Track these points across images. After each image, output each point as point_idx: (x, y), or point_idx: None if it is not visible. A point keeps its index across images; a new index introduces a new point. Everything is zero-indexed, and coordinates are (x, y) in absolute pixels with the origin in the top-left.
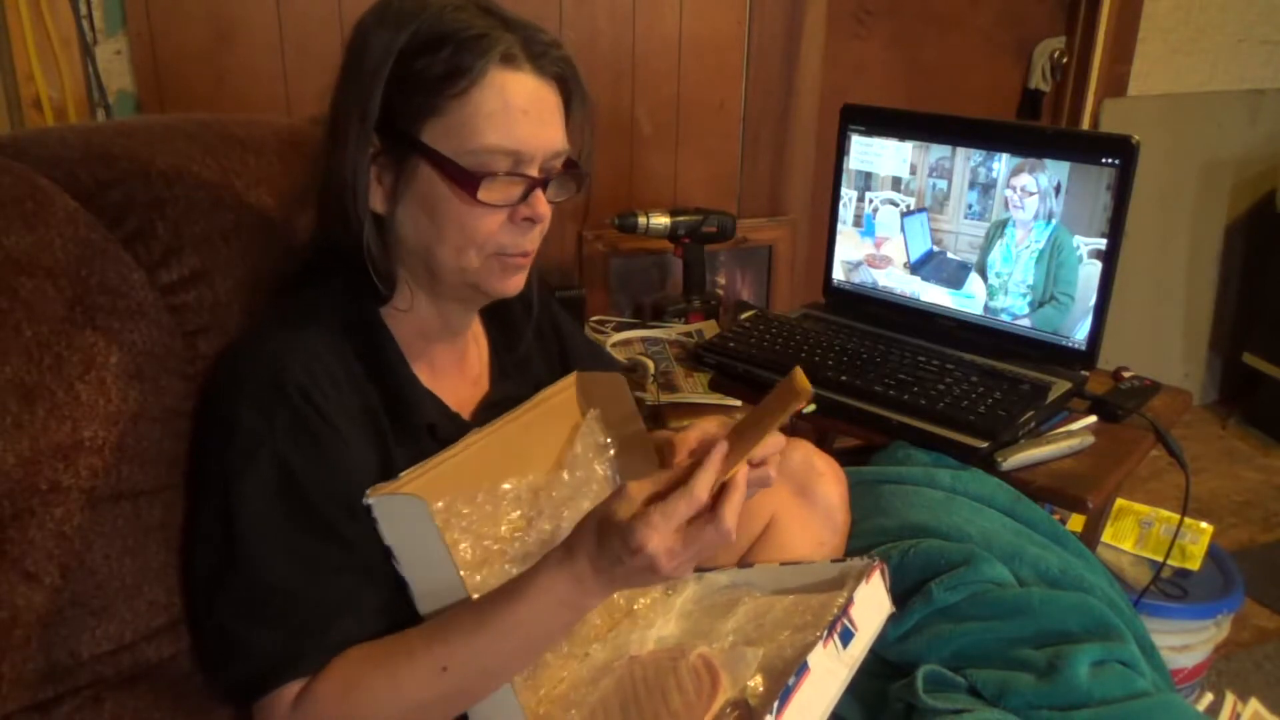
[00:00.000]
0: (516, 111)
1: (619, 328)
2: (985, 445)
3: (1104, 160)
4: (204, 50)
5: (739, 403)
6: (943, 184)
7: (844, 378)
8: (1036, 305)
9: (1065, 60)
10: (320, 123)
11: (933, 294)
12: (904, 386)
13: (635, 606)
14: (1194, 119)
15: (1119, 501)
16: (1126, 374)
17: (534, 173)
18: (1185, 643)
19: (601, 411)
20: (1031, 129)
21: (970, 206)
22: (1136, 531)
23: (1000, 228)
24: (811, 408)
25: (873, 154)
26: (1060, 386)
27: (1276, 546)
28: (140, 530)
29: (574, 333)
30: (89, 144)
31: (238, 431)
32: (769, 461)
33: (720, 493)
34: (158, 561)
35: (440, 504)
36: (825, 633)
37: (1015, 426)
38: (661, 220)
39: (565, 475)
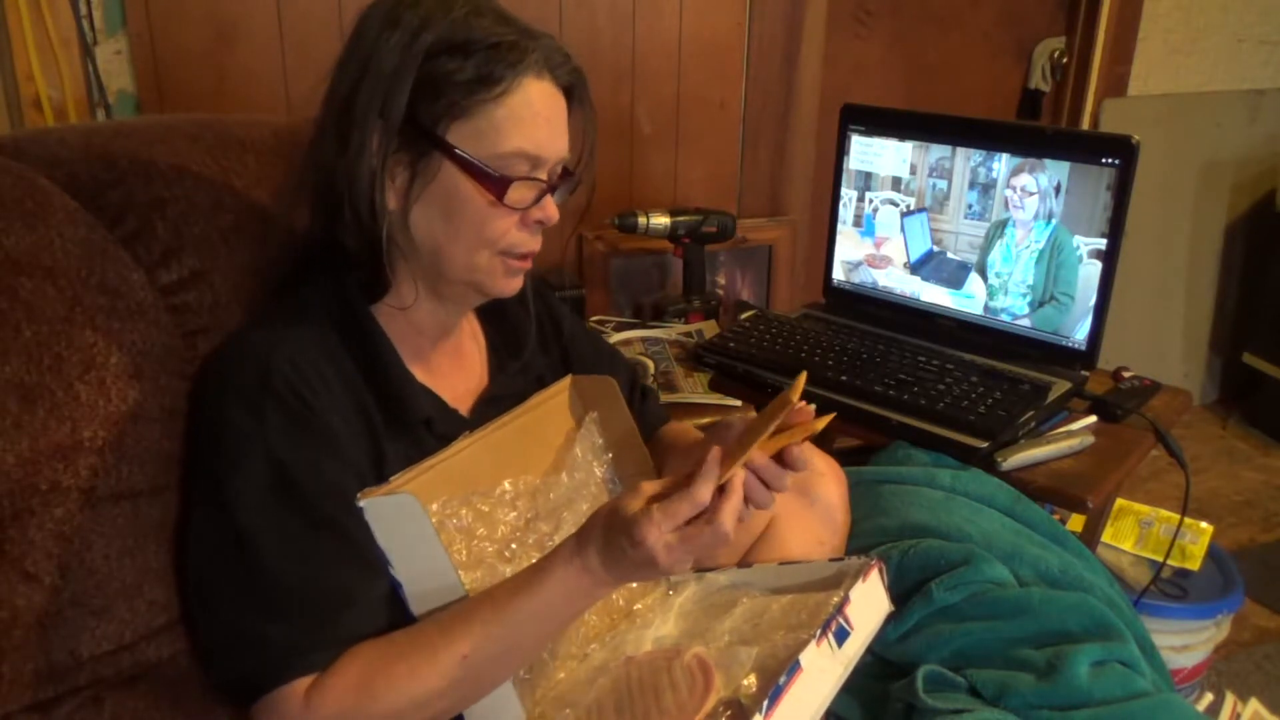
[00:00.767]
0: (540, 119)
1: (619, 328)
2: (985, 445)
3: (1104, 160)
4: (204, 50)
5: (739, 403)
6: (943, 184)
7: (844, 378)
8: (1036, 305)
9: (1065, 60)
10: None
11: (933, 294)
12: (904, 386)
13: (635, 607)
14: (1194, 119)
15: (1119, 501)
16: (1126, 374)
17: (545, 177)
18: (1185, 643)
19: (598, 414)
20: (1031, 129)
21: (970, 206)
22: (1136, 531)
23: (1000, 228)
24: (823, 422)
25: (873, 154)
26: (1060, 386)
27: (1276, 546)
28: (140, 530)
29: (575, 327)
30: (89, 144)
31: (228, 430)
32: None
33: (719, 495)
34: (158, 561)
35: (435, 505)
36: (819, 631)
37: (1015, 426)
38: (661, 220)
39: (564, 477)
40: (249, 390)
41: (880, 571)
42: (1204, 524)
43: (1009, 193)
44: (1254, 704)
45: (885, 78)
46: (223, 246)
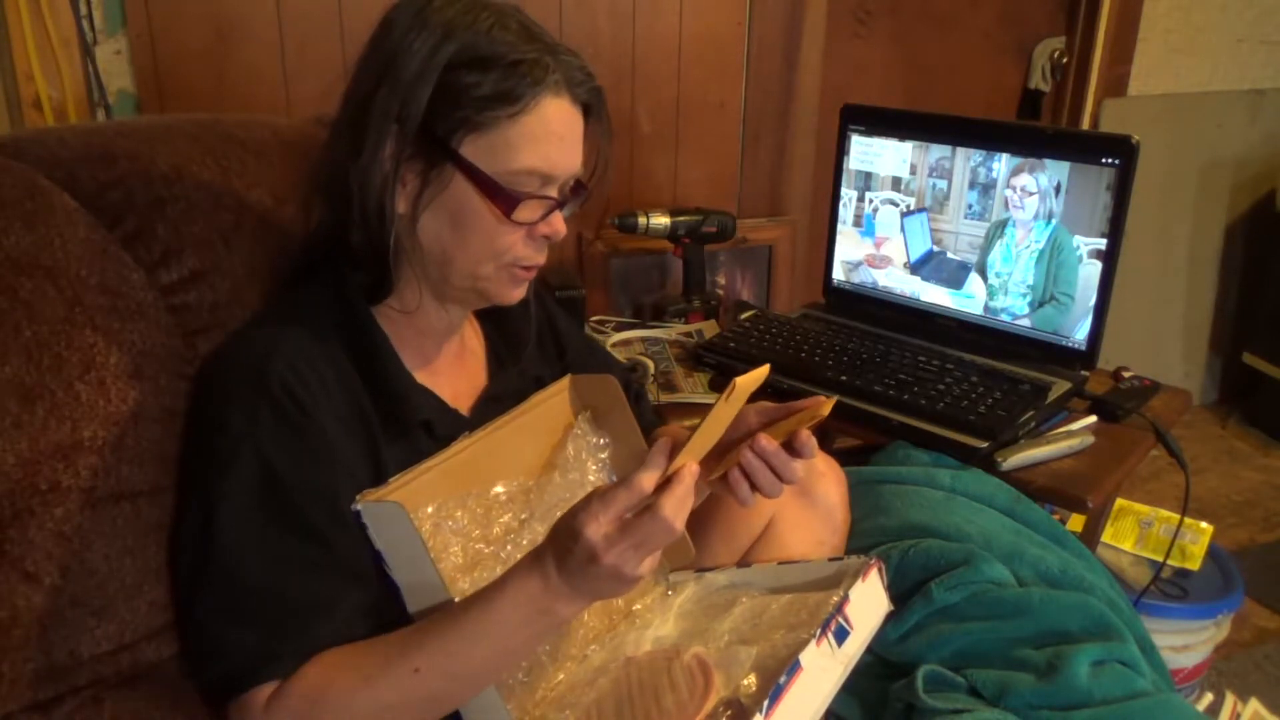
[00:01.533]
0: (555, 138)
1: (619, 328)
2: (985, 445)
3: (1104, 160)
4: (204, 50)
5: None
6: (943, 184)
7: (844, 378)
8: (1036, 305)
9: (1065, 60)
10: (326, 123)
11: (933, 294)
12: (904, 386)
13: (634, 608)
14: (1194, 119)
15: (1119, 501)
16: (1126, 374)
17: (555, 193)
18: (1185, 643)
19: (594, 413)
20: (1031, 129)
21: (970, 206)
22: (1136, 531)
23: (1000, 228)
24: (828, 405)
25: (873, 154)
26: (1060, 386)
27: (1276, 546)
28: (140, 530)
29: (571, 328)
30: (89, 144)
31: (222, 430)
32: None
33: (664, 486)
34: (158, 561)
35: (431, 508)
36: (819, 631)
37: (1015, 426)
38: (661, 220)
39: (558, 477)
40: (245, 392)
41: (880, 571)
42: (1204, 524)
43: (1009, 193)
44: (1254, 704)
45: (885, 78)
46: (223, 246)
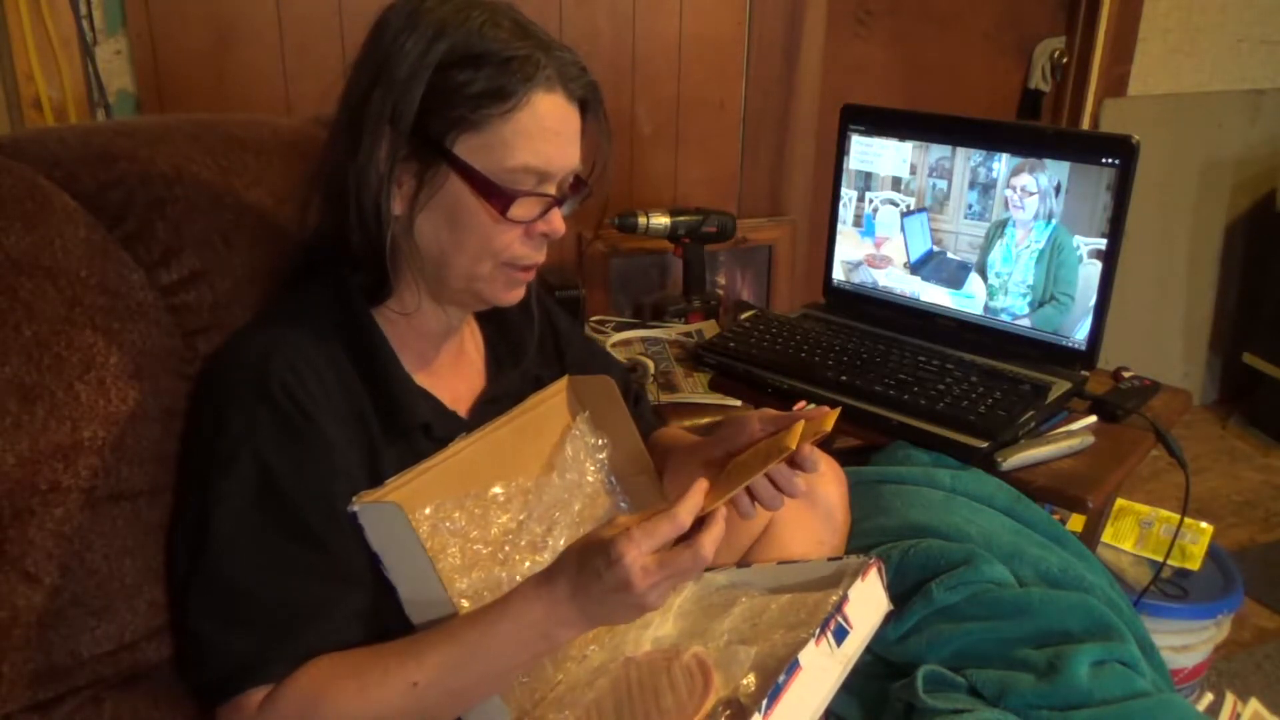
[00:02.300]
0: (550, 134)
1: (619, 328)
2: (985, 445)
3: (1104, 160)
4: (204, 50)
5: (739, 403)
6: (943, 184)
7: (844, 378)
8: (1036, 305)
9: (1065, 60)
10: (325, 123)
11: (933, 294)
12: (904, 386)
13: None
14: (1194, 119)
15: (1119, 501)
16: (1126, 374)
17: (553, 190)
18: (1185, 643)
19: (592, 413)
20: (1031, 129)
21: (970, 206)
22: (1136, 531)
23: (1000, 228)
24: (831, 419)
25: (873, 154)
26: (1060, 386)
27: (1276, 546)
28: (140, 530)
29: (570, 329)
30: (89, 144)
31: (221, 431)
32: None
33: (701, 522)
34: (158, 561)
35: (429, 509)
36: (818, 630)
37: (1015, 426)
38: (661, 220)
39: (556, 478)
40: (245, 393)
41: (879, 570)
42: (1204, 524)
43: (1009, 193)
44: (1254, 704)
45: (885, 78)
46: (223, 246)
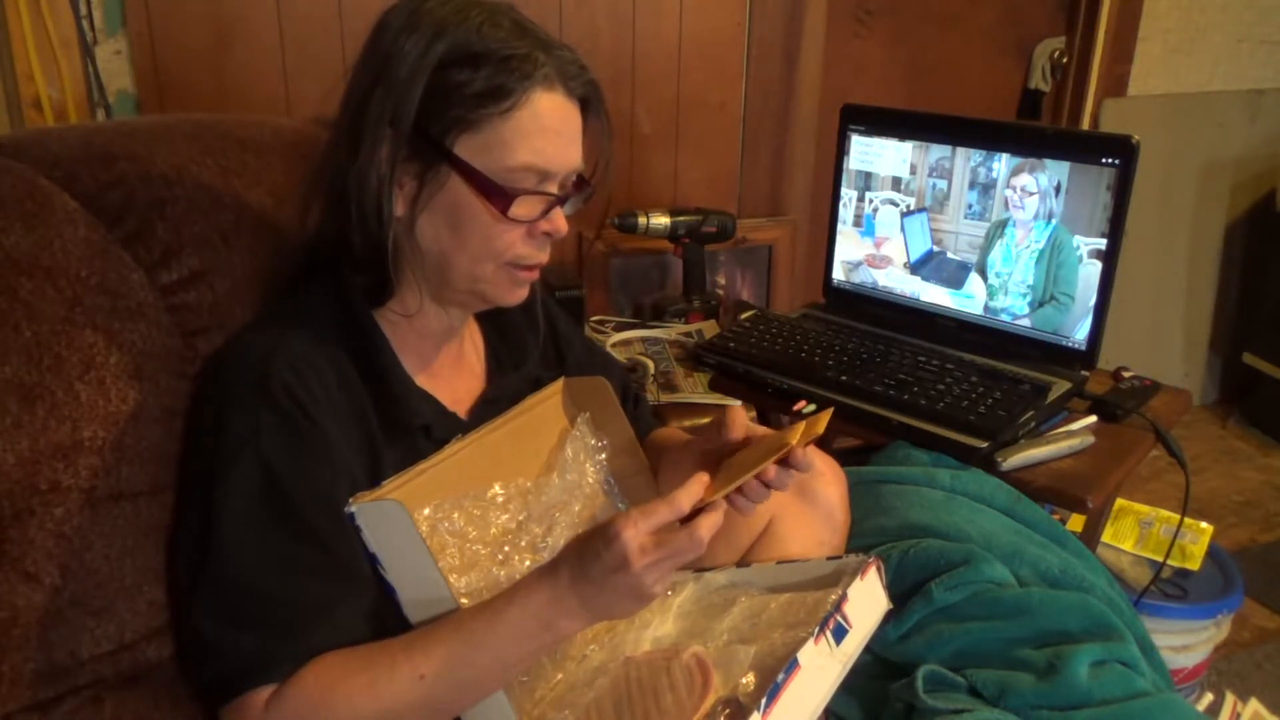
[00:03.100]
0: (550, 133)
1: (619, 328)
2: (985, 445)
3: (1104, 160)
4: (204, 50)
5: (739, 403)
6: (943, 184)
7: (844, 378)
8: (1036, 305)
9: (1065, 60)
10: (326, 123)
11: (933, 294)
12: (904, 386)
13: None
14: (1194, 119)
15: (1119, 501)
16: (1126, 374)
17: (555, 189)
18: (1185, 643)
19: (590, 415)
20: (1031, 129)
21: (970, 206)
22: (1136, 531)
23: (1000, 228)
24: (823, 422)
25: (873, 154)
26: (1060, 386)
27: (1276, 546)
28: (140, 530)
29: (571, 330)
30: (89, 144)
31: (224, 432)
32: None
33: (699, 509)
34: (158, 561)
35: (427, 510)
36: (817, 629)
37: (1015, 426)
38: (661, 220)
39: (556, 478)
40: (247, 394)
41: (878, 569)
42: (1204, 524)
43: (1009, 193)
44: (1254, 704)
45: (885, 78)
46: (223, 246)
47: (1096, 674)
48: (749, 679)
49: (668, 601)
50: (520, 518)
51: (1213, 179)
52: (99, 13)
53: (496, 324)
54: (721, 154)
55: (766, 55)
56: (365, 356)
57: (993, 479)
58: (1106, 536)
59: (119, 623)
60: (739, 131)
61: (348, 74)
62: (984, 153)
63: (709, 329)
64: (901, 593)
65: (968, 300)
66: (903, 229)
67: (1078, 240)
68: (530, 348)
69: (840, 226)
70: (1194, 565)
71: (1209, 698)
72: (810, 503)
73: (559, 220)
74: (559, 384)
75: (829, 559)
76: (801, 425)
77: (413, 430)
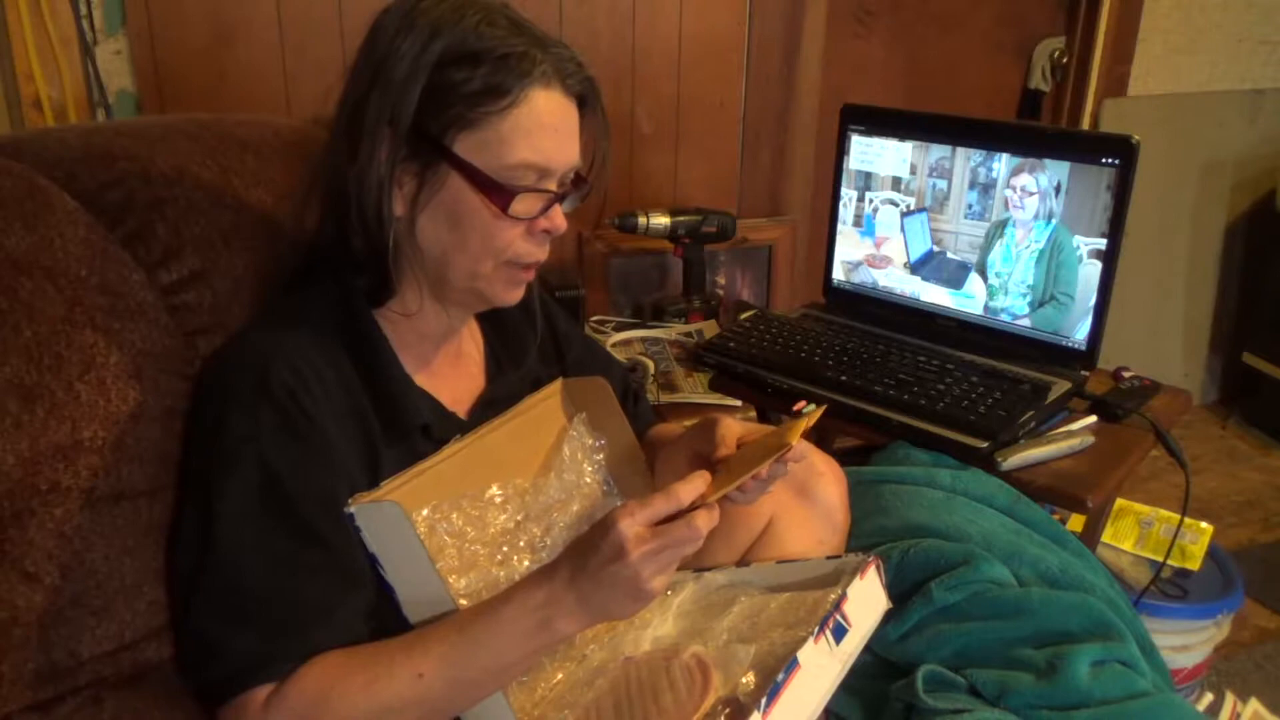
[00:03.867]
0: (548, 130)
1: (619, 328)
2: (985, 445)
3: (1104, 160)
4: (204, 50)
5: (739, 403)
6: (943, 184)
7: (844, 378)
8: (1036, 305)
9: (1065, 60)
10: (325, 123)
11: (933, 294)
12: (904, 386)
13: None
14: (1194, 119)
15: (1119, 501)
16: (1126, 374)
17: (554, 187)
18: (1185, 643)
19: (588, 415)
20: (1031, 129)
21: (970, 206)
22: (1136, 531)
23: (1000, 228)
24: (814, 417)
25: (873, 154)
26: (1060, 386)
27: (1276, 546)
28: (140, 530)
29: (571, 330)
30: (89, 144)
31: (223, 432)
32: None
33: (696, 506)
34: (158, 561)
35: (426, 510)
36: (817, 629)
37: (1015, 426)
38: (661, 220)
39: (554, 479)
40: (247, 394)
41: (878, 568)
42: (1204, 524)
43: (1009, 193)
44: (1254, 704)
45: (885, 78)
46: (223, 246)
47: (1096, 674)
48: (749, 679)
49: (667, 601)
50: (519, 518)
51: (1213, 179)
52: (99, 12)
53: (496, 324)
54: (721, 154)
55: (766, 55)
56: (365, 356)
57: (993, 479)
58: (1106, 536)
59: (119, 623)
60: (739, 131)
61: (345, 77)
62: (984, 153)
63: (709, 329)
64: (901, 593)
65: (968, 300)
66: (903, 229)
67: (1078, 240)
68: (529, 345)
69: (840, 226)
70: (1194, 565)
71: (1209, 698)
72: (810, 502)
73: (558, 217)
74: (557, 384)
75: (829, 558)
76: (801, 423)
77: (412, 430)
